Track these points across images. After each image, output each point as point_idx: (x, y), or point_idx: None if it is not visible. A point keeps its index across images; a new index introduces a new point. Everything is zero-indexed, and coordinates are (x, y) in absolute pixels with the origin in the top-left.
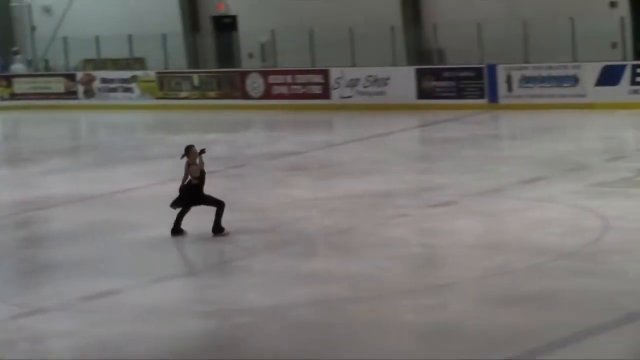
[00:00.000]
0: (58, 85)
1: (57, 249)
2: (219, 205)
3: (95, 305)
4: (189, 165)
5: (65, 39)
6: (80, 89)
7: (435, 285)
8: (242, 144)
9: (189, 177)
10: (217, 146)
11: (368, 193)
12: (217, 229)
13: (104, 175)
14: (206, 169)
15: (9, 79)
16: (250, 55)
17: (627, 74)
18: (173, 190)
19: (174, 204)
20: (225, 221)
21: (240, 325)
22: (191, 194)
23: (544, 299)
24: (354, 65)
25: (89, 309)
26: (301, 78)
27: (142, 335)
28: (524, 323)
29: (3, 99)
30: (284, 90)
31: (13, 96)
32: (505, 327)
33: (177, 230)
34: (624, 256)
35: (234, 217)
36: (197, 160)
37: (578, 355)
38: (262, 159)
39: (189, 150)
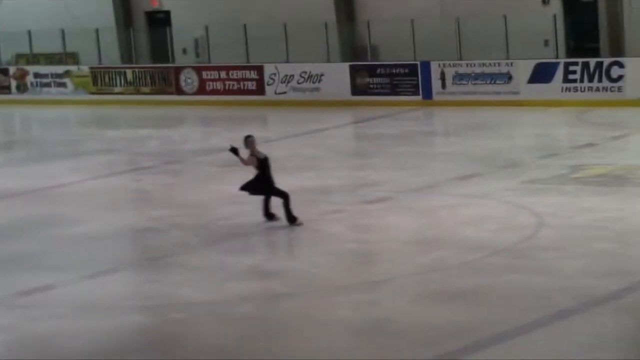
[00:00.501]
0: None
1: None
2: (284, 197)
3: (30, 300)
4: (251, 155)
5: None
6: (13, 83)
7: (370, 281)
8: (177, 140)
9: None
10: (151, 142)
11: (303, 189)
12: (290, 219)
13: (38, 170)
14: (143, 164)
15: None
16: (184, 51)
17: (559, 72)
18: (108, 185)
19: (242, 188)
20: (160, 217)
21: (177, 321)
22: (257, 183)
23: (478, 296)
24: (288, 61)
25: (24, 304)
26: (235, 74)
27: (77, 330)
28: (458, 319)
29: None
30: (218, 86)
31: None
32: (440, 324)
33: (268, 215)
34: (558, 253)
35: (170, 213)
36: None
37: (511, 352)
38: (197, 154)
39: (246, 141)
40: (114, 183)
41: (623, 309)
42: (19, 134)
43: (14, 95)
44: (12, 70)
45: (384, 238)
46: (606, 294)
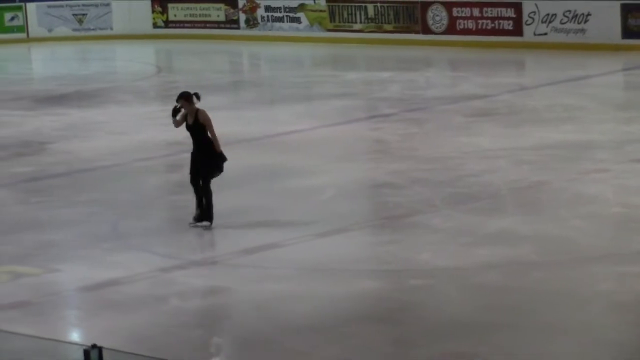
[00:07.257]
0: (218, 12)
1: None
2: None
3: (252, 259)
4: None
5: None
6: (242, 17)
7: (637, 251)
8: (421, 85)
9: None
10: (392, 86)
11: (562, 144)
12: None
13: (267, 115)
14: (382, 111)
15: (163, 5)
16: None
17: None
18: (343, 134)
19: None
20: (400, 171)
21: (414, 288)
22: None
23: None
24: None
25: (245, 263)
26: (490, 11)
27: (302, 295)
28: None
29: (157, 26)
30: (470, 24)
31: (167, 24)
32: None
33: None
34: None
35: (411, 167)
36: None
37: None
38: (443, 102)
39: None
40: (350, 131)
41: None
42: (247, 74)
43: (243, 31)
44: (241, 2)
45: None
46: None
